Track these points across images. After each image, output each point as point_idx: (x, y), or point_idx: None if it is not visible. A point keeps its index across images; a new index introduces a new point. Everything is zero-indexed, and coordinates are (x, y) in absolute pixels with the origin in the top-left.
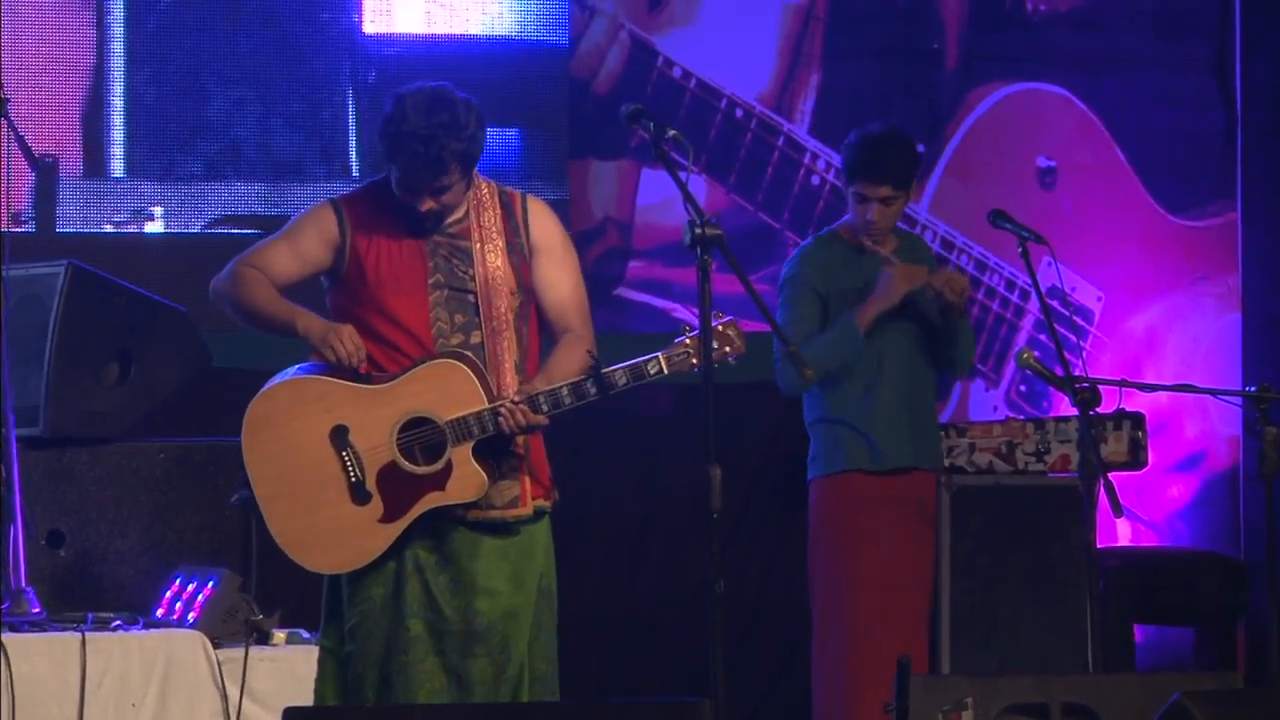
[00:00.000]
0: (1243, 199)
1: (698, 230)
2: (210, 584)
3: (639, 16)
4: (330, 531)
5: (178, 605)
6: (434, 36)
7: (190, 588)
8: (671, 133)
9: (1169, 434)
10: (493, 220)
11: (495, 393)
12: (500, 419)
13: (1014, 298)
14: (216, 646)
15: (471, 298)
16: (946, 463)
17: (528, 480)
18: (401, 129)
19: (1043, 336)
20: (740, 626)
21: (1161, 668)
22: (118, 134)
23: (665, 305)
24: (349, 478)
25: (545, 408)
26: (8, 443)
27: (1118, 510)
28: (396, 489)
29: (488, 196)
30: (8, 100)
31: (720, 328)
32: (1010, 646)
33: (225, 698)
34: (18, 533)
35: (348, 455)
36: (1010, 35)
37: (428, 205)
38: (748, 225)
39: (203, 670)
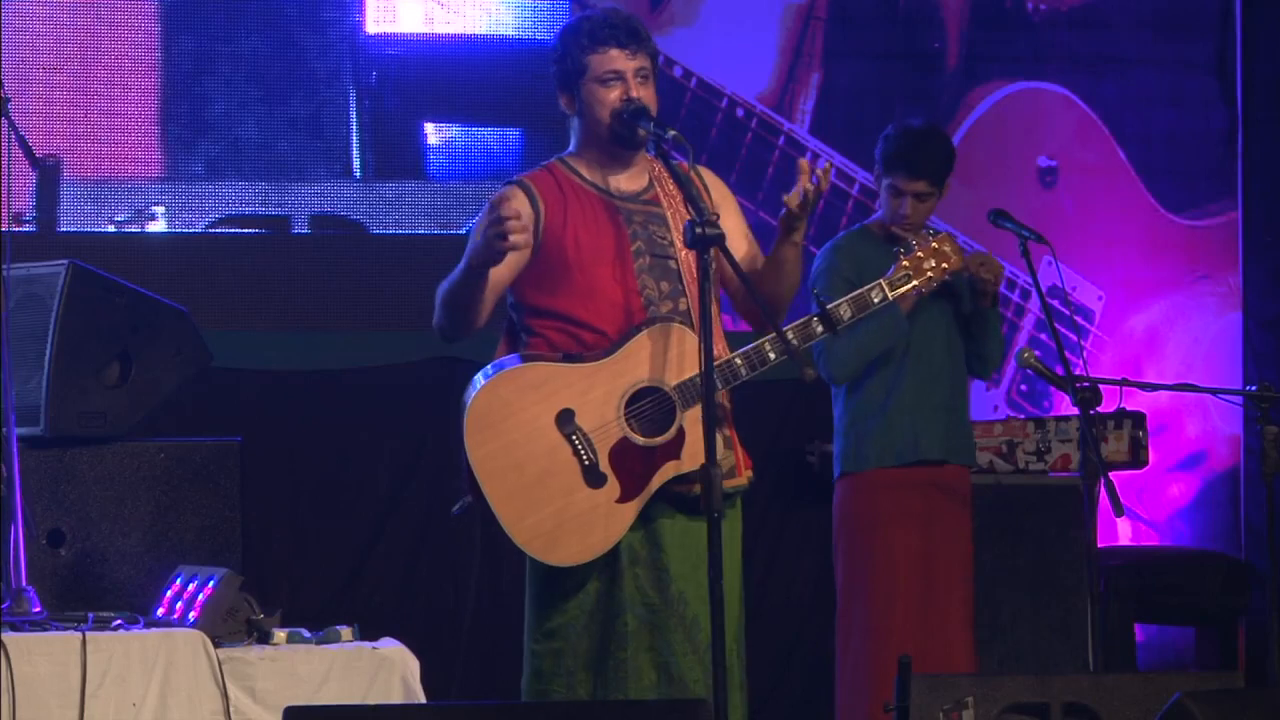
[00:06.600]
0: (1243, 198)
1: (698, 230)
2: (211, 583)
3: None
4: (569, 520)
5: (178, 605)
6: (436, 36)
7: (191, 587)
8: (672, 132)
9: (1170, 433)
10: (674, 188)
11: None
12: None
13: (1015, 297)
14: (217, 646)
15: (673, 264)
16: None
17: (739, 449)
18: None
19: (1043, 336)
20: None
21: (1162, 667)
22: (120, 133)
23: None
24: (581, 462)
25: (773, 355)
26: (8, 442)
27: (1118, 510)
28: (632, 466)
29: (658, 168)
30: (8, 100)
31: (934, 244)
32: (1011, 646)
33: (226, 697)
34: (18, 532)
35: (577, 439)
36: (1011, 35)
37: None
38: (749, 225)
39: (203, 670)
